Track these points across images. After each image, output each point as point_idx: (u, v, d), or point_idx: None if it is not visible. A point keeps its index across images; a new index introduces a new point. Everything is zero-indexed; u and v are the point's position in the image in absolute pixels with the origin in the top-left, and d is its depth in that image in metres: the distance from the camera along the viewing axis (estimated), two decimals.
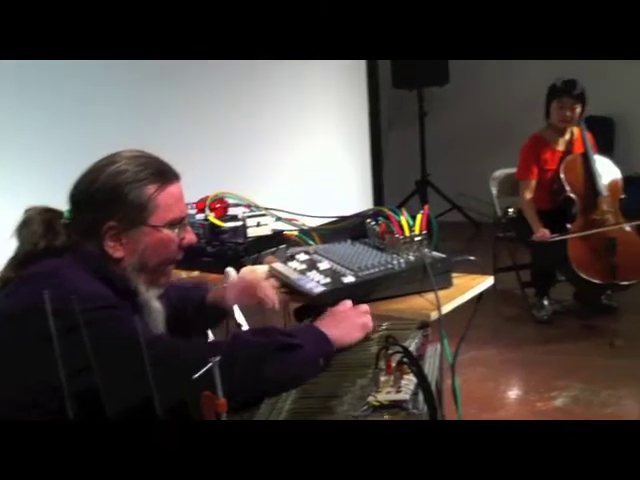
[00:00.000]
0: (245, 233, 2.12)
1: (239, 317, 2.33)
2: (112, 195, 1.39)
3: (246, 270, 2.00)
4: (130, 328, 1.10)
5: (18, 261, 1.40)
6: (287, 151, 4.56)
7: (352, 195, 5.11)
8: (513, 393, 3.21)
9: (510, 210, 4.08)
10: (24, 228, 1.42)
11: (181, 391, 1.14)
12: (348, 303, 1.59)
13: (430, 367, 1.54)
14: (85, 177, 1.43)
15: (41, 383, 1.25)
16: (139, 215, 1.41)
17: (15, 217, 1.45)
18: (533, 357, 3.45)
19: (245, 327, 2.35)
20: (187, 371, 1.13)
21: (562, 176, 3.79)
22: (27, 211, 1.44)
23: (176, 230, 1.47)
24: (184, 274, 1.99)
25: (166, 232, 1.45)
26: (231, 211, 2.21)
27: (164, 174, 1.45)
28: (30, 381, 1.28)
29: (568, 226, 3.71)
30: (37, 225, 1.41)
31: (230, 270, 2.01)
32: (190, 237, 1.51)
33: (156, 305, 1.47)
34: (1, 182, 3.09)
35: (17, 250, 1.42)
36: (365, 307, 1.58)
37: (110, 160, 1.43)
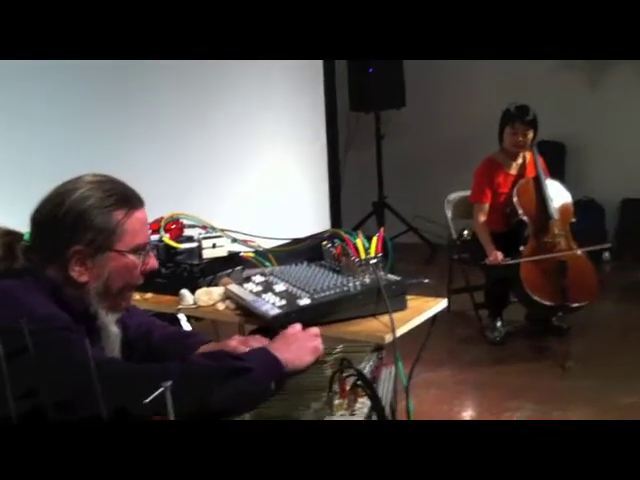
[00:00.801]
0: (201, 254, 2.11)
1: (185, 327, 2.30)
2: (79, 220, 1.39)
3: (201, 292, 1.99)
4: (83, 351, 1.09)
5: None
6: (244, 172, 4.55)
7: (309, 216, 5.12)
8: (467, 414, 3.24)
9: (465, 232, 4.15)
10: None
11: (131, 415, 1.12)
12: (298, 326, 1.59)
13: (384, 390, 1.55)
14: (49, 201, 1.42)
15: None
16: (106, 240, 1.41)
17: None
18: (486, 378, 3.50)
19: None
20: (138, 396, 1.12)
21: (515, 199, 3.86)
22: None
23: (140, 256, 1.47)
24: (137, 296, 1.97)
25: (131, 257, 1.45)
26: (186, 232, 2.20)
27: (130, 200, 1.46)
28: None
29: (521, 248, 3.78)
30: None
31: (185, 292, 2.00)
32: (152, 263, 1.52)
33: (114, 329, 1.47)
34: None
35: None
36: (316, 330, 1.59)
37: (75, 185, 1.42)
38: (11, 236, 1.44)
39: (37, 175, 3.18)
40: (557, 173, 4.53)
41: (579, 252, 3.83)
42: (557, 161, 5.31)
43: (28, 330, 0.97)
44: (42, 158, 3.30)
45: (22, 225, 1.46)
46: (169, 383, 1.17)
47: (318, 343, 1.56)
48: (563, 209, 3.91)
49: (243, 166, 4.54)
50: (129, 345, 1.58)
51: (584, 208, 5.15)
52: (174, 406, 1.09)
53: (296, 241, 2.19)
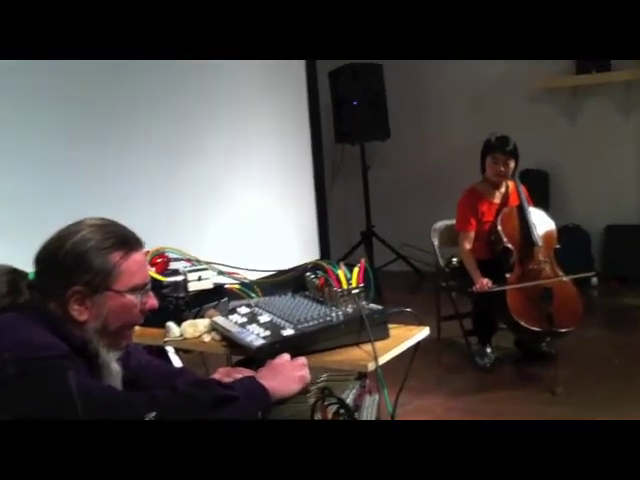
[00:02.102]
0: (186, 287, 2.14)
1: (175, 360, 2.32)
2: (78, 261, 1.44)
3: (187, 324, 2.02)
4: (79, 378, 1.12)
5: None
6: (230, 204, 4.60)
7: (298, 247, 5.17)
8: None
9: (454, 260, 4.19)
10: None
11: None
12: (286, 356, 1.63)
13: (368, 416, 1.58)
14: (51, 244, 1.47)
15: None
16: (104, 281, 1.46)
17: None
18: (475, 405, 3.50)
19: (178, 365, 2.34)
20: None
21: (499, 228, 3.91)
22: None
23: (139, 295, 1.51)
24: None
25: (129, 297, 1.49)
26: (172, 265, 2.23)
27: (128, 242, 1.51)
28: None
29: (507, 275, 3.82)
30: (1, 284, 1.45)
31: (171, 324, 2.03)
32: (152, 302, 1.56)
33: (115, 367, 1.50)
34: None
35: None
36: (303, 360, 1.62)
37: (76, 228, 1.48)
38: (16, 274, 1.50)
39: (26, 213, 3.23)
40: (541, 201, 4.60)
41: (565, 278, 3.87)
42: (541, 189, 5.39)
43: (24, 358, 0.99)
44: (31, 188, 3.33)
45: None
46: (153, 414, 1.21)
47: (305, 372, 1.59)
48: (547, 236, 3.96)
49: (228, 198, 4.59)
50: (130, 383, 1.60)
51: (570, 234, 5.23)
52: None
53: (281, 272, 2.22)
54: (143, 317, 1.56)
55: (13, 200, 3.29)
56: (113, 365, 1.50)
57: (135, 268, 1.50)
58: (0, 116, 3.25)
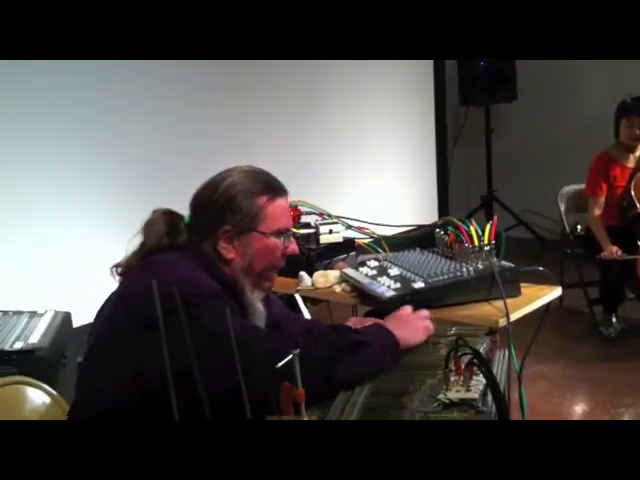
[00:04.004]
0: (317, 240, 2.21)
1: (302, 308, 2.40)
2: (228, 203, 1.54)
3: (318, 275, 2.08)
4: (231, 317, 1.20)
5: (142, 254, 1.55)
6: (357, 163, 4.66)
7: (417, 209, 5.15)
8: (579, 408, 3.19)
9: (579, 227, 4.06)
10: (149, 227, 1.57)
11: (264, 380, 1.21)
12: (408, 308, 1.67)
13: (498, 371, 1.58)
14: (205, 188, 1.59)
15: (144, 365, 1.36)
16: (251, 222, 1.55)
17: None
18: (599, 374, 3.41)
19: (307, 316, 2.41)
20: (272, 361, 1.22)
21: (633, 193, 3.75)
22: (153, 212, 1.60)
23: (282, 239, 1.59)
24: None
25: (273, 240, 1.58)
26: (304, 219, 2.30)
27: (274, 188, 1.60)
28: (135, 361, 1.39)
29: (639, 243, 3.67)
30: (161, 224, 1.57)
31: (303, 274, 2.10)
32: (293, 247, 1.64)
33: (259, 307, 1.59)
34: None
35: (141, 244, 1.57)
36: (425, 312, 1.66)
37: (227, 174, 1.59)
38: (173, 215, 1.60)
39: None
40: None
41: None
42: None
43: (182, 295, 1.07)
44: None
45: None
46: (297, 351, 1.27)
47: (428, 323, 1.63)
48: None
49: (357, 158, 4.66)
50: (272, 329, 1.68)
51: None
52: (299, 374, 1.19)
53: (410, 229, 2.25)
54: (284, 261, 1.63)
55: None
56: (257, 305, 1.58)
57: (279, 212, 1.59)
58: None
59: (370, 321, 1.72)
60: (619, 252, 3.64)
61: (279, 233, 1.58)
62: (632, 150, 3.86)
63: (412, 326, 1.59)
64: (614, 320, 3.86)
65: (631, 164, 3.87)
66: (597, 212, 3.85)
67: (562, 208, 4.18)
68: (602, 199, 3.86)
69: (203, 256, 1.54)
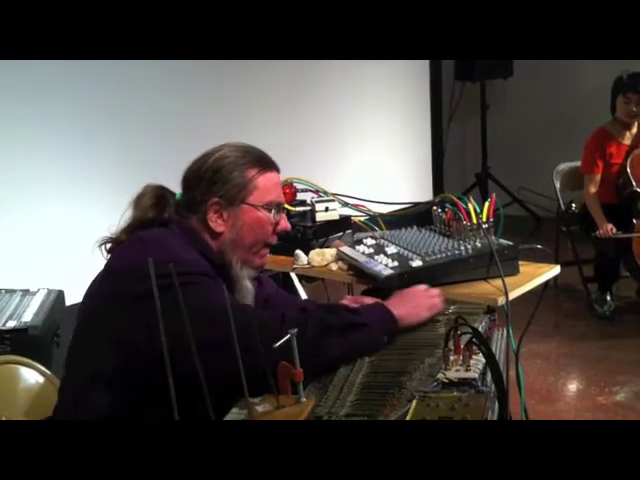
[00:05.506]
0: (313, 217, 2.18)
1: (298, 287, 2.39)
2: (217, 175, 1.54)
3: (315, 253, 2.06)
4: (219, 295, 1.18)
5: (130, 227, 1.53)
6: (352, 141, 4.62)
7: (412, 186, 5.12)
8: (573, 387, 3.19)
9: (573, 205, 4.04)
10: (138, 200, 1.56)
11: (261, 359, 1.19)
12: (421, 286, 1.64)
13: (497, 349, 1.57)
14: (195, 162, 1.58)
15: (130, 340, 1.36)
16: (239, 194, 1.54)
17: None
18: (593, 352, 3.42)
19: (304, 296, 2.40)
20: (269, 340, 1.20)
21: (629, 170, 3.73)
22: (145, 187, 1.59)
23: (272, 213, 1.57)
24: None
25: (263, 213, 1.56)
26: (299, 196, 2.27)
27: (264, 161, 1.59)
28: (122, 337, 1.38)
29: (634, 221, 3.66)
30: (149, 198, 1.55)
31: (299, 252, 2.08)
32: (284, 223, 1.62)
33: (247, 284, 1.57)
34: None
35: (130, 218, 1.55)
36: (437, 290, 1.63)
37: (217, 148, 1.58)
38: (164, 190, 1.59)
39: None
40: None
41: None
42: None
43: (172, 272, 1.05)
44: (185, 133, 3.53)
45: None
46: (295, 330, 1.25)
47: (438, 301, 1.61)
48: None
49: (352, 136, 4.62)
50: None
51: None
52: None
53: (407, 207, 2.22)
54: (276, 239, 1.61)
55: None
56: (246, 282, 1.56)
57: (270, 185, 1.57)
58: None
59: (368, 300, 1.70)
60: (614, 230, 3.63)
61: (269, 206, 1.57)
62: (628, 127, 3.83)
63: (415, 303, 1.57)
64: (609, 298, 3.86)
65: (627, 141, 3.85)
66: (593, 190, 3.84)
67: (557, 185, 4.16)
68: (598, 176, 3.84)
69: (189, 230, 1.53)
